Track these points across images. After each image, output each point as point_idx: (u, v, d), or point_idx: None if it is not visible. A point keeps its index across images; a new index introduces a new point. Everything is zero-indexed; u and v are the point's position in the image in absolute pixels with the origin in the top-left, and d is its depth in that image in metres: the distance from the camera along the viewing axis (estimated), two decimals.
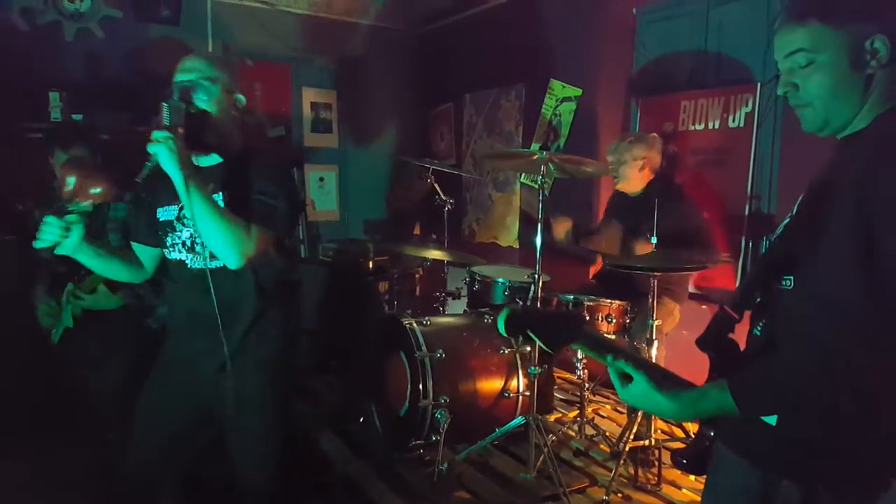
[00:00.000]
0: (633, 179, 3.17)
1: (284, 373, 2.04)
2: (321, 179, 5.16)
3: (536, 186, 4.40)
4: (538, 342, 1.26)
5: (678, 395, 1.19)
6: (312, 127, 5.08)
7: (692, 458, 1.36)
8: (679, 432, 2.88)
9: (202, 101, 1.79)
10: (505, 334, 1.28)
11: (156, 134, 1.64)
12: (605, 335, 2.79)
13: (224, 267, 1.81)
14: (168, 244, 1.91)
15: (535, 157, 2.77)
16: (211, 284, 1.78)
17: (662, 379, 1.22)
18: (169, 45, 4.20)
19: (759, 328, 1.25)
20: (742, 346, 1.32)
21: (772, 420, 1.14)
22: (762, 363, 1.14)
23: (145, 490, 2.02)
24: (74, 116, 3.55)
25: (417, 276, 3.68)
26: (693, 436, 1.40)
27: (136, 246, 2.01)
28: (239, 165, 1.87)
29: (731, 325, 1.31)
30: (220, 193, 1.83)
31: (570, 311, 1.32)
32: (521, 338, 1.26)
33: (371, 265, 3.58)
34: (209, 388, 1.92)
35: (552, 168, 2.84)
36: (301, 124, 5.04)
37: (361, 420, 3.22)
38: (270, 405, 1.98)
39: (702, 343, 1.34)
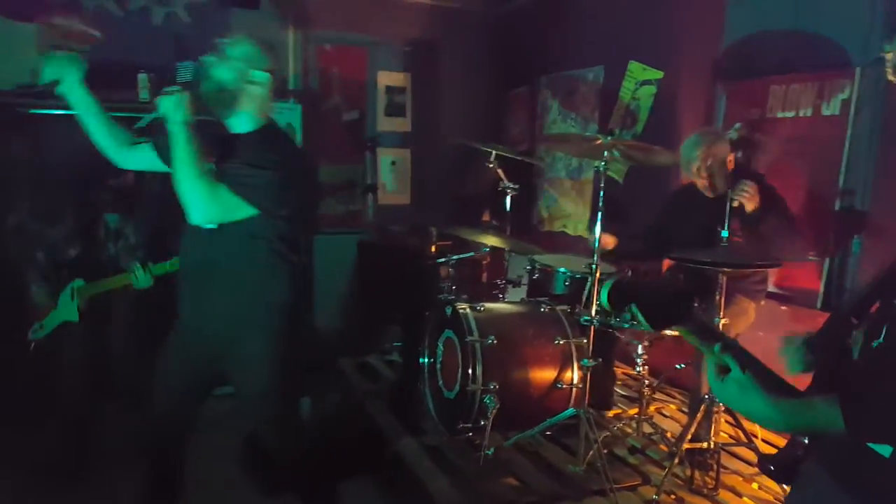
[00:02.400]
0: (717, 180, 2.94)
1: (276, 341, 2.13)
2: (393, 163, 5.21)
3: (611, 174, 4.29)
4: (640, 319, 1.18)
5: (780, 401, 1.09)
6: (386, 111, 5.13)
7: (781, 466, 1.27)
8: (742, 436, 2.72)
9: (219, 73, 1.99)
10: (606, 306, 1.22)
11: (168, 89, 1.90)
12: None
13: (222, 226, 1.99)
14: None
15: (598, 141, 2.67)
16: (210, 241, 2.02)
17: (767, 381, 1.12)
18: (248, 30, 4.35)
19: (879, 341, 1.13)
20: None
21: (885, 451, 1.03)
22: (883, 384, 1.03)
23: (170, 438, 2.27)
24: None
25: (480, 262, 3.65)
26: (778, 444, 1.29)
27: (148, 147, 2.18)
28: (248, 137, 2.06)
29: (849, 330, 1.22)
30: (214, 162, 2.00)
31: (681, 290, 1.22)
32: (624, 313, 1.17)
33: (434, 249, 3.59)
34: (209, 342, 2.12)
35: (617, 154, 2.72)
36: (375, 108, 5.10)
37: (414, 400, 3.26)
38: (259, 367, 2.13)
39: (812, 346, 1.25)
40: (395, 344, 4.10)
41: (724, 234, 2.61)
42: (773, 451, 2.40)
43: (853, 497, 1.07)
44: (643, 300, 1.18)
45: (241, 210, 1.96)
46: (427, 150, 5.23)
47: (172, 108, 1.88)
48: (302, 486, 2.43)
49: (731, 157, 2.95)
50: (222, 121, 2.09)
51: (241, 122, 2.09)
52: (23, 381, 3.17)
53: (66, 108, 2.10)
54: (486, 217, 4.93)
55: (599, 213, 2.65)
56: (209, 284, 2.09)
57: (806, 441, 1.22)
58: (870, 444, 1.04)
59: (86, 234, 3.12)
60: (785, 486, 2.09)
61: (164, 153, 2.06)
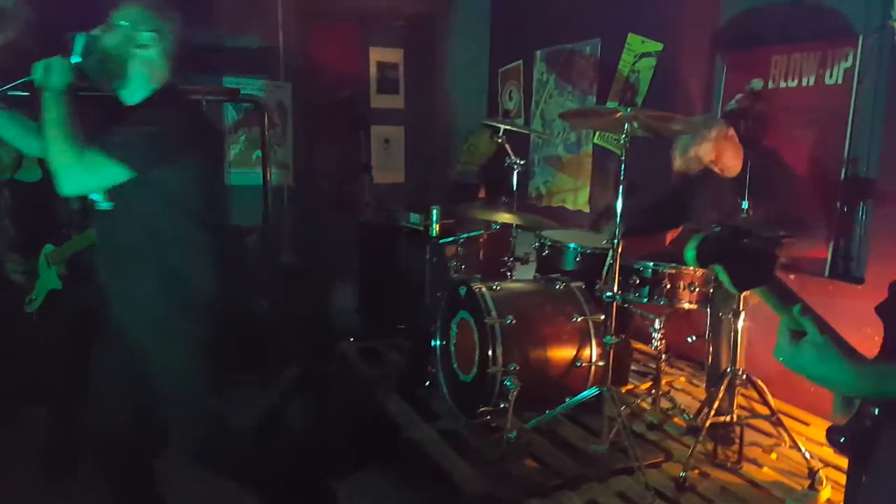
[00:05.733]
0: (728, 158, 2.88)
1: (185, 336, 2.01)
2: (386, 141, 5.10)
3: (610, 147, 4.25)
4: (725, 279, 1.13)
5: (862, 366, 1.06)
6: (378, 87, 5.01)
7: (850, 438, 1.23)
8: (762, 409, 2.71)
9: (105, 42, 1.91)
10: (691, 263, 1.16)
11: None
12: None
13: (112, 210, 1.93)
14: None
15: (619, 114, 2.60)
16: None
17: (844, 346, 1.09)
18: (241, 5, 4.21)
19: None
20: None
21: None
22: None
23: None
24: None
25: (486, 240, 3.58)
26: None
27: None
28: (139, 105, 1.97)
29: None
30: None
31: (768, 250, 1.16)
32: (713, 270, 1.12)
33: (438, 229, 3.50)
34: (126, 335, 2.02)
35: (636, 126, 2.66)
36: (368, 85, 4.96)
37: (427, 384, 3.20)
38: (168, 365, 2.02)
39: (881, 311, 1.21)
40: (400, 327, 4.03)
41: (745, 204, 2.59)
42: (801, 421, 2.36)
43: None
44: (732, 259, 1.13)
45: (115, 173, 1.85)
46: (421, 127, 5.12)
47: (42, 73, 1.81)
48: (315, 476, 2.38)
49: (730, 132, 2.90)
50: (116, 93, 1.99)
51: (134, 92, 1.98)
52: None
53: None
54: (481, 193, 4.86)
55: (621, 188, 2.59)
56: (115, 271, 2.00)
57: (877, 412, 1.19)
58: None
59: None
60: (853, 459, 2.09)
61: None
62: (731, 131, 2.91)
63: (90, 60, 1.89)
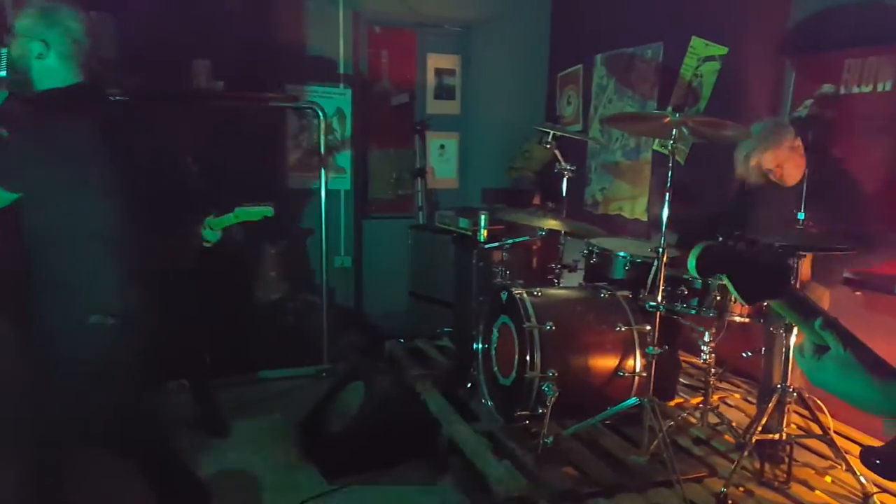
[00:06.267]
0: (788, 170, 2.76)
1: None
2: (442, 147, 5.15)
3: (667, 152, 4.11)
4: (732, 290, 1.09)
5: (887, 383, 1.00)
6: (436, 94, 5.06)
7: (887, 460, 1.17)
8: (816, 428, 2.58)
9: (13, 54, 1.93)
10: (694, 273, 1.13)
11: None
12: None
13: (36, 230, 1.91)
14: None
15: (667, 119, 2.54)
16: None
17: (870, 361, 1.02)
18: (298, 12, 4.35)
19: None
20: None
21: None
22: None
23: None
24: (217, 83, 3.78)
25: (534, 247, 3.56)
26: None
27: None
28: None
29: None
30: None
31: (779, 260, 1.11)
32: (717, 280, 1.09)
33: (486, 234, 3.51)
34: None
35: (686, 132, 2.59)
36: (425, 91, 5.03)
37: (469, 386, 3.22)
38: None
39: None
40: (446, 329, 4.07)
41: (801, 216, 2.47)
42: (858, 443, 2.24)
43: None
44: (736, 270, 1.08)
45: None
46: (476, 133, 5.14)
47: None
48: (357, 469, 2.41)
49: (797, 143, 2.77)
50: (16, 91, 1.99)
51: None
52: None
53: None
54: (536, 200, 4.83)
55: (667, 195, 2.53)
56: (37, 299, 1.96)
57: None
58: None
59: None
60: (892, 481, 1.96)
61: None
62: (798, 141, 2.78)
63: (10, 73, 1.93)
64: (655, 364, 2.63)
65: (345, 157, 4.69)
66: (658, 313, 2.59)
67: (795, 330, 2.45)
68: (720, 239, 1.11)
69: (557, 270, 3.39)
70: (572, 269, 3.42)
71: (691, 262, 1.11)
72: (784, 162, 2.74)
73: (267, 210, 2.83)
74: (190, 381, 3.35)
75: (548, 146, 3.30)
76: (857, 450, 2.74)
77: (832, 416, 2.66)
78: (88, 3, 3.46)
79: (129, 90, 3.31)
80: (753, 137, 2.77)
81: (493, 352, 2.98)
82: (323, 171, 4.16)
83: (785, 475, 2.50)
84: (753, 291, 1.09)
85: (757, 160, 2.76)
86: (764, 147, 2.73)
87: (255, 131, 4.24)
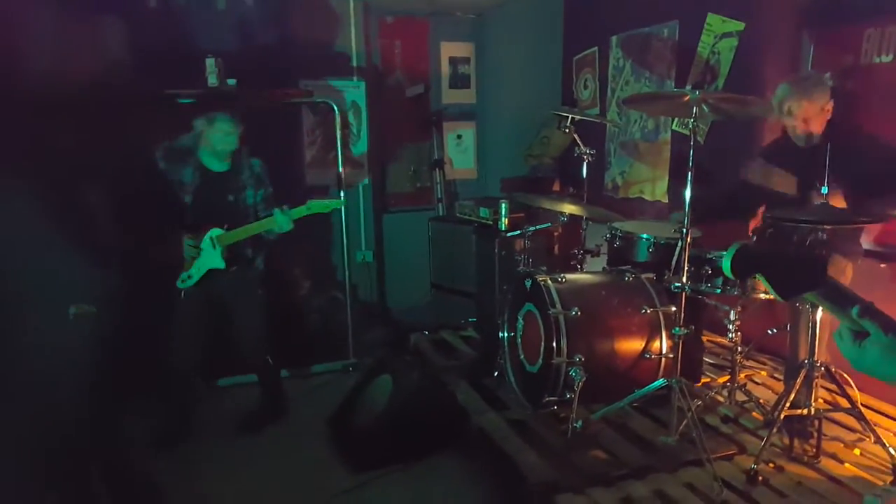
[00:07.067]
0: (813, 127, 2.73)
1: None
2: (459, 137, 5.14)
3: (688, 132, 4.08)
4: (769, 287, 1.12)
5: None
6: (450, 83, 5.05)
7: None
8: (844, 402, 2.57)
9: None
10: (730, 275, 1.17)
11: None
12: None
13: None
14: None
15: (687, 97, 2.53)
16: None
17: None
18: (308, 4, 4.36)
19: None
20: None
21: None
22: None
23: None
24: (230, 81, 3.80)
25: (555, 233, 3.57)
26: None
27: None
28: None
29: None
30: None
31: (811, 254, 1.14)
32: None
33: (507, 223, 3.53)
34: None
35: (706, 109, 2.58)
36: (439, 81, 5.02)
37: (496, 375, 3.25)
38: None
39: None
40: (470, 319, 4.10)
41: (824, 189, 2.46)
42: (886, 415, 2.24)
43: None
44: (770, 268, 1.10)
45: None
46: (493, 121, 5.13)
47: None
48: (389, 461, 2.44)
49: (829, 106, 2.74)
50: None
51: None
52: None
53: None
54: (556, 186, 4.83)
55: (689, 175, 2.52)
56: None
57: None
58: None
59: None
60: None
61: None
62: (830, 105, 2.75)
63: None
64: (681, 344, 2.65)
65: (362, 152, 4.72)
66: (683, 294, 2.60)
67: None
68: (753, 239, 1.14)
69: (580, 256, 3.41)
70: (595, 254, 3.43)
71: (726, 265, 1.14)
72: (812, 118, 2.71)
73: (337, 202, 2.94)
74: (259, 378, 3.46)
75: (567, 130, 3.30)
76: (885, 422, 2.75)
77: (859, 389, 2.66)
78: (98, 6, 3.59)
79: (144, 92, 3.38)
80: (793, 84, 2.74)
81: (519, 340, 3.01)
82: (341, 166, 4.19)
83: (814, 450, 2.51)
84: (790, 287, 1.11)
85: (789, 106, 2.71)
86: (801, 96, 2.69)
87: (272, 129, 4.28)
